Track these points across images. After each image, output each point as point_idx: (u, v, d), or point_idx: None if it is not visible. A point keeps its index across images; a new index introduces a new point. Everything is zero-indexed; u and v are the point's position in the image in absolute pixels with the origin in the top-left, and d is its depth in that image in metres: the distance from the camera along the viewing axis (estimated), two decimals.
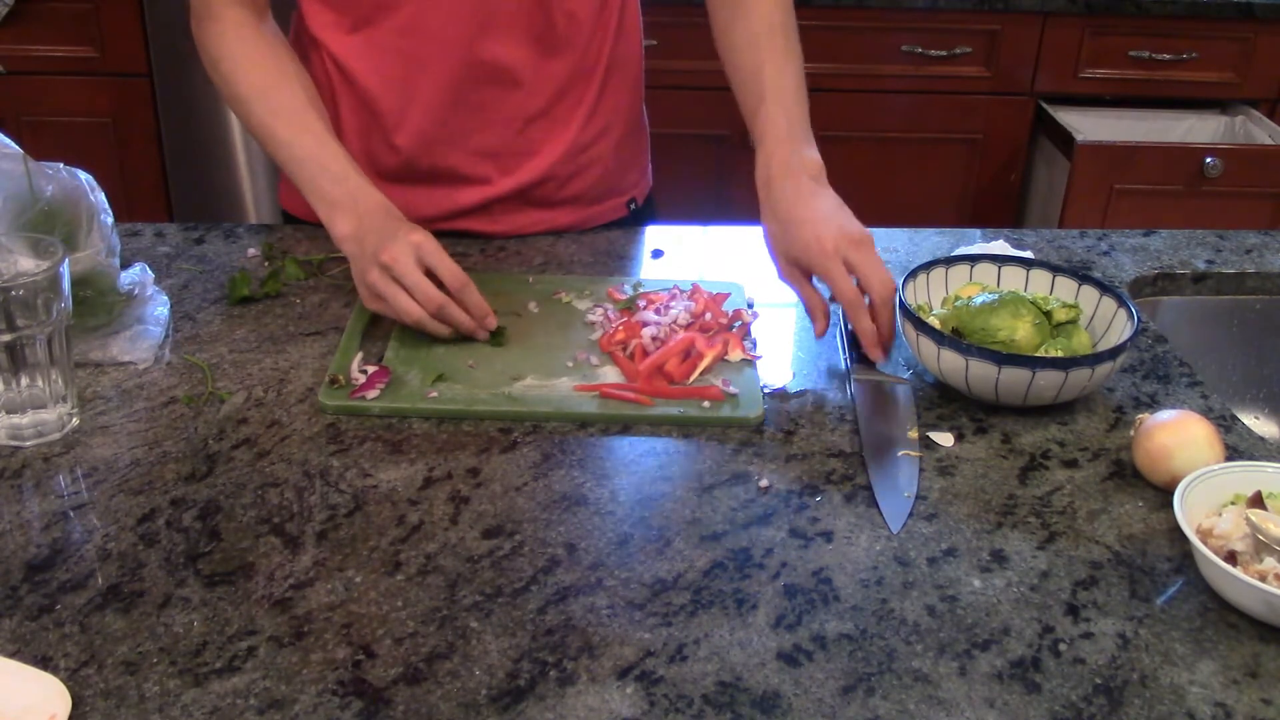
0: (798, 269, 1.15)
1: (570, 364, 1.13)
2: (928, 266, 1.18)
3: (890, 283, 1.10)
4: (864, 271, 1.10)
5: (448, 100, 1.30)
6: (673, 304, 1.21)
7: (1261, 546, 0.86)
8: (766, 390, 1.11)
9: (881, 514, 0.94)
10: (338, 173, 1.19)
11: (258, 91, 1.22)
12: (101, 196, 1.12)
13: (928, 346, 1.07)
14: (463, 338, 1.15)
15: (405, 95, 1.30)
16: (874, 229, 1.44)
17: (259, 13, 1.26)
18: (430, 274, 1.12)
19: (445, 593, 0.85)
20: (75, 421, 1.02)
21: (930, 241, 1.43)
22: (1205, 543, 0.86)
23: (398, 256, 1.11)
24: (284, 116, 1.21)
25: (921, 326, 1.07)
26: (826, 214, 1.14)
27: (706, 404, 1.07)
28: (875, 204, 2.76)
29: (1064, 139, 2.57)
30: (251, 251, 1.34)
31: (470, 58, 1.28)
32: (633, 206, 1.48)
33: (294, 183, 1.22)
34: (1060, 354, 1.07)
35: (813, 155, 1.19)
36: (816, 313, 1.15)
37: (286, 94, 1.22)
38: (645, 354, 1.12)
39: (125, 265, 1.17)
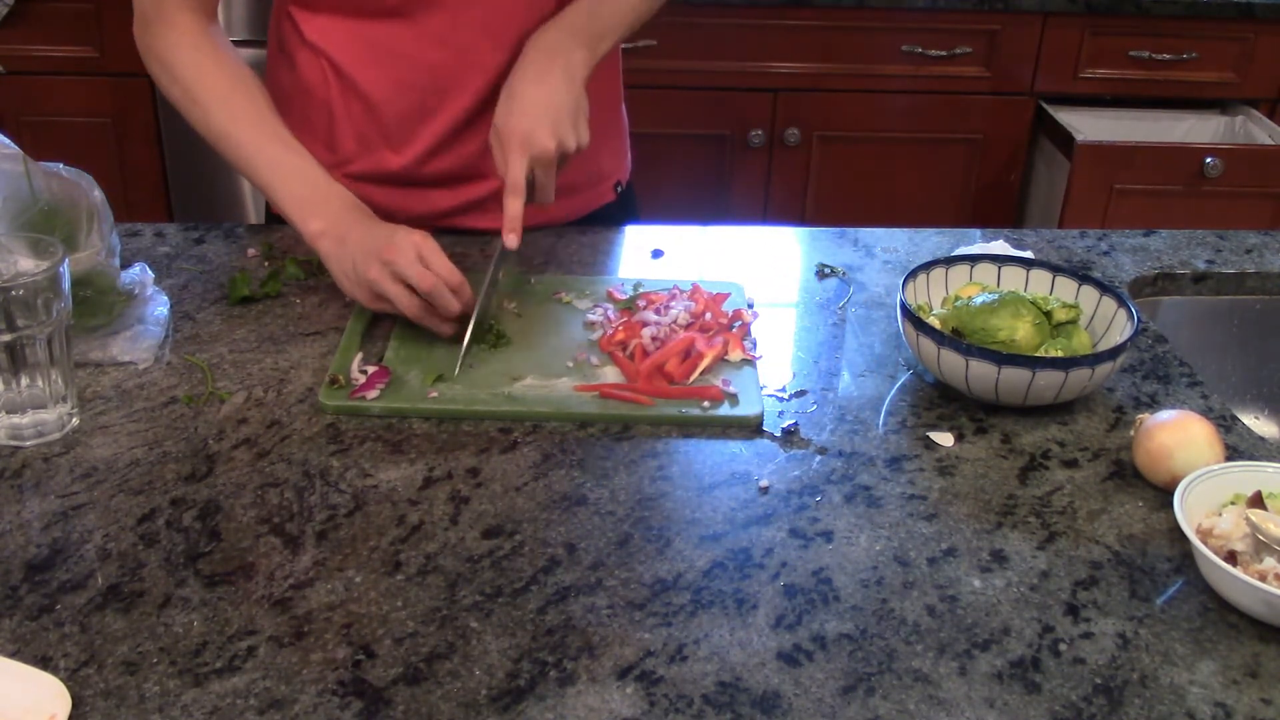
0: (498, 140, 1.19)
1: (570, 364, 1.13)
2: (928, 266, 1.18)
3: (551, 199, 1.20)
4: (539, 180, 1.19)
5: (471, 111, 1.30)
6: (673, 304, 1.21)
7: (1261, 546, 0.86)
8: (766, 390, 1.11)
9: None
10: (307, 173, 1.20)
11: (218, 97, 1.22)
12: (101, 196, 1.12)
13: (928, 346, 1.07)
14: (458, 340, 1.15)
15: (423, 105, 1.30)
16: (874, 229, 1.45)
17: (209, 18, 1.26)
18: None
19: (445, 593, 0.85)
20: (75, 421, 1.02)
21: (930, 241, 1.43)
22: (1205, 543, 0.86)
23: (399, 252, 1.11)
24: (246, 121, 1.22)
25: (921, 326, 1.07)
26: (543, 107, 1.17)
27: (706, 404, 1.07)
28: (875, 204, 2.78)
29: (1064, 139, 2.57)
30: (251, 251, 1.34)
31: (504, 72, 1.28)
32: (619, 188, 1.48)
33: (259, 185, 1.22)
34: (1060, 354, 1.07)
35: (579, 55, 1.22)
36: (506, 203, 1.17)
37: (245, 99, 1.22)
38: (645, 354, 1.12)
39: (125, 265, 1.17)
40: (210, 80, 1.23)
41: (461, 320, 1.14)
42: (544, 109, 1.17)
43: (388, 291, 1.12)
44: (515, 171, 1.16)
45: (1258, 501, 0.90)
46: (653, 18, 1.35)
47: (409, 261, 1.11)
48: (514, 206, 1.16)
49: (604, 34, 1.25)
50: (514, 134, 1.16)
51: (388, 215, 1.21)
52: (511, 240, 1.16)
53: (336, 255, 1.16)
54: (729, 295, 1.25)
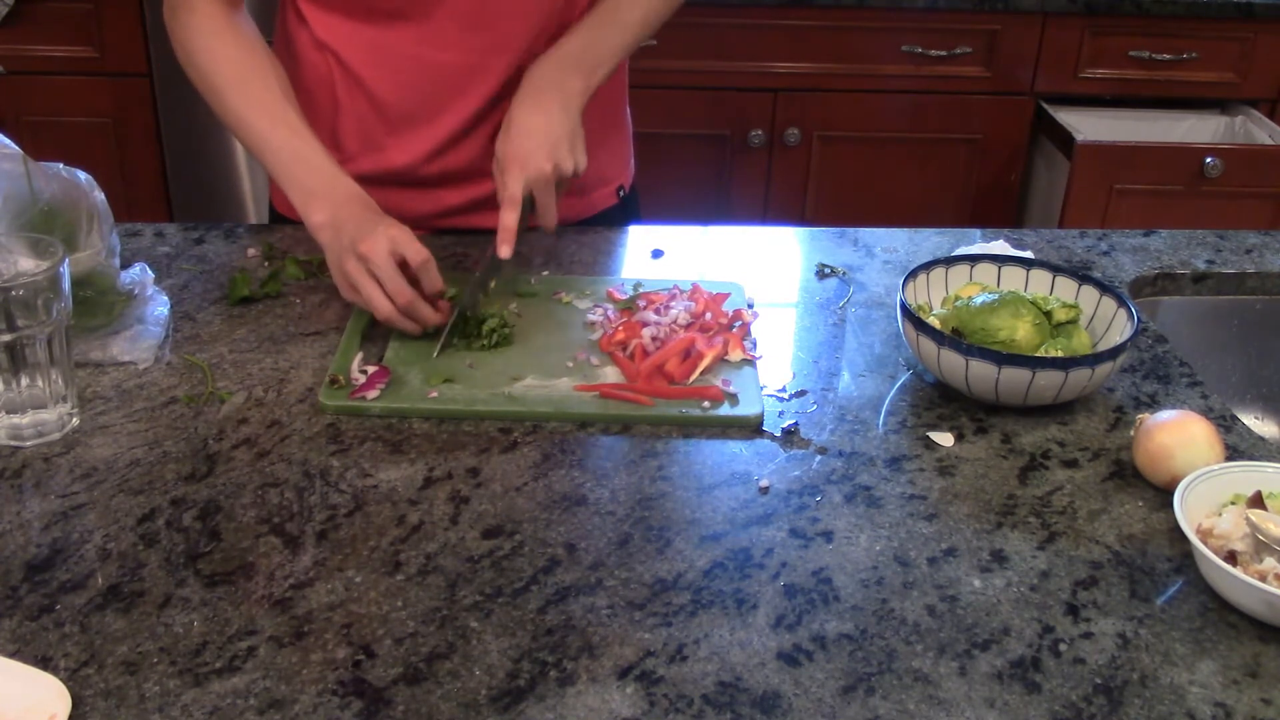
0: (498, 165, 1.22)
1: (570, 364, 1.13)
2: (928, 266, 1.18)
3: (554, 223, 1.24)
4: (540, 202, 1.22)
5: (478, 111, 1.30)
6: (673, 304, 1.21)
7: (1261, 546, 0.86)
8: (766, 390, 1.11)
9: None
10: (314, 163, 1.20)
11: (233, 82, 1.22)
12: (101, 196, 1.12)
13: (928, 346, 1.07)
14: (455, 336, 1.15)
15: (429, 105, 1.30)
16: (874, 229, 1.45)
17: (233, 4, 1.26)
18: (404, 265, 1.12)
19: (445, 593, 0.85)
20: (75, 421, 1.02)
21: (930, 241, 1.43)
22: (1205, 543, 0.86)
23: (374, 248, 1.11)
24: (260, 107, 1.21)
25: (921, 326, 1.07)
26: (541, 133, 1.21)
27: (706, 404, 1.07)
28: (875, 204, 2.77)
29: (1064, 139, 2.57)
30: (251, 251, 1.34)
31: (514, 75, 1.28)
32: (622, 193, 1.48)
33: (269, 172, 1.22)
34: (1060, 354, 1.07)
35: (575, 84, 1.25)
36: (501, 216, 1.20)
37: (262, 85, 1.22)
38: (645, 354, 1.12)
39: (125, 265, 1.17)
40: (226, 66, 1.23)
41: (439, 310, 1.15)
42: (542, 135, 1.20)
43: (361, 287, 1.12)
44: (512, 187, 1.19)
45: (1258, 501, 0.90)
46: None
47: (384, 261, 1.11)
48: (509, 218, 1.19)
49: (600, 62, 1.28)
50: (512, 157, 1.20)
51: (391, 214, 1.21)
52: (504, 250, 1.18)
53: (333, 246, 1.16)
54: (729, 295, 1.25)
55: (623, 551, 0.90)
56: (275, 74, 1.24)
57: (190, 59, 1.24)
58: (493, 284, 1.23)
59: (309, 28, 1.30)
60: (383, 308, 1.12)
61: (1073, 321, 1.12)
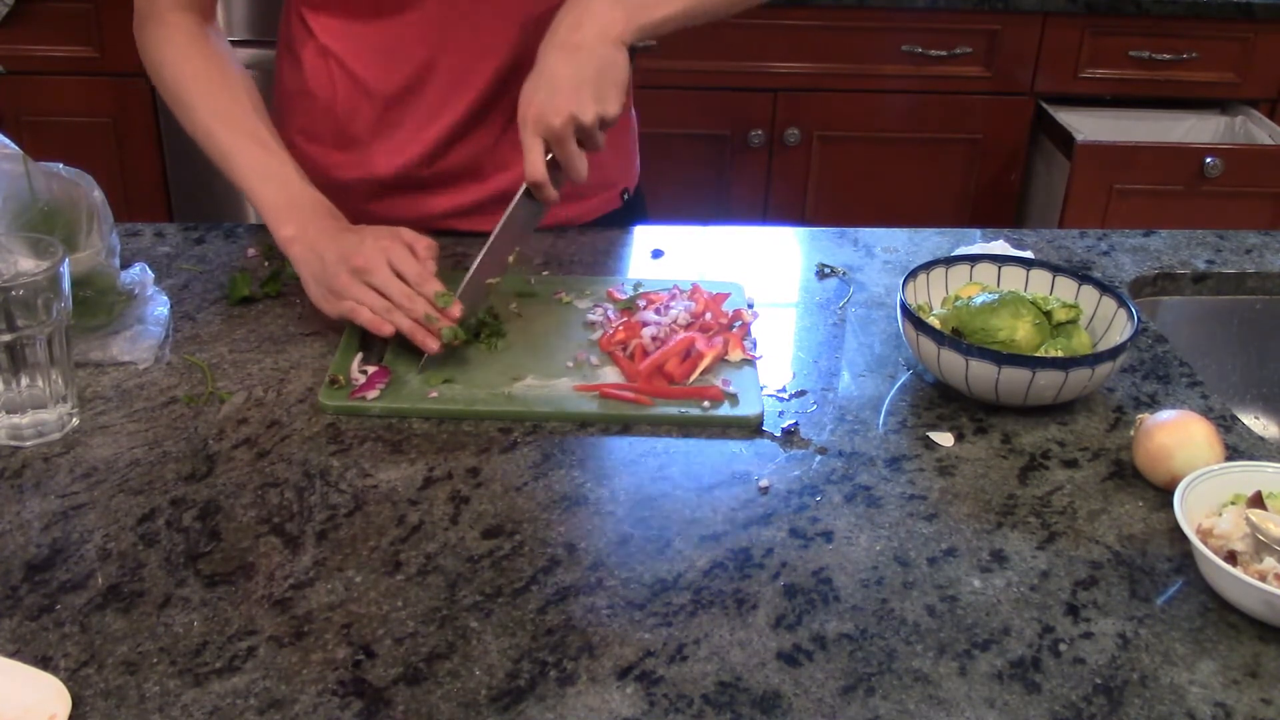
0: (519, 116, 1.11)
1: (570, 364, 1.13)
2: (928, 266, 1.18)
3: (583, 176, 1.12)
4: (561, 160, 1.11)
5: (475, 108, 1.30)
6: (673, 304, 1.21)
7: (1261, 546, 0.86)
8: (766, 390, 1.11)
9: None
10: (281, 177, 1.19)
11: (200, 95, 1.22)
12: (101, 196, 1.12)
13: (928, 346, 1.07)
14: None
15: (430, 104, 1.30)
16: (874, 229, 1.45)
17: (204, 17, 1.25)
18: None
19: (445, 593, 0.85)
20: (75, 421, 1.02)
21: (930, 241, 1.43)
22: (1205, 543, 0.86)
23: (373, 265, 1.10)
24: (227, 120, 1.21)
25: (921, 326, 1.07)
26: (561, 79, 1.09)
27: (706, 404, 1.07)
28: (875, 204, 2.78)
29: (1064, 139, 2.57)
30: (251, 251, 1.34)
31: (510, 69, 1.28)
32: (626, 196, 1.48)
33: (237, 186, 1.21)
34: (1060, 354, 1.07)
35: (615, 14, 1.11)
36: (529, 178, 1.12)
37: (229, 98, 1.22)
38: (645, 354, 1.12)
39: (125, 265, 1.17)
40: (196, 79, 1.22)
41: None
42: (562, 81, 1.09)
43: (360, 297, 1.10)
44: (532, 165, 1.11)
45: (1258, 501, 0.90)
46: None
47: (387, 278, 1.10)
48: (548, 194, 1.13)
49: (653, 2, 1.15)
50: (526, 116, 1.10)
51: (386, 220, 1.21)
52: (551, 194, 1.13)
53: (305, 260, 1.14)
54: (729, 295, 1.25)
55: (623, 551, 0.90)
56: (244, 87, 1.23)
57: (158, 72, 1.24)
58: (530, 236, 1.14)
59: (309, 31, 1.30)
60: (379, 309, 1.10)
61: (1073, 321, 1.12)
